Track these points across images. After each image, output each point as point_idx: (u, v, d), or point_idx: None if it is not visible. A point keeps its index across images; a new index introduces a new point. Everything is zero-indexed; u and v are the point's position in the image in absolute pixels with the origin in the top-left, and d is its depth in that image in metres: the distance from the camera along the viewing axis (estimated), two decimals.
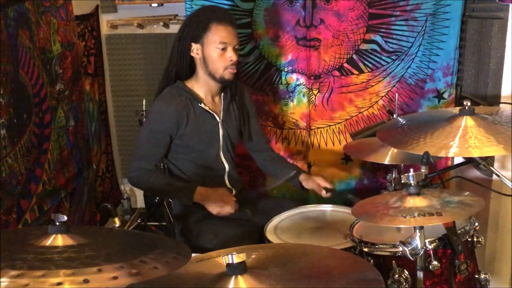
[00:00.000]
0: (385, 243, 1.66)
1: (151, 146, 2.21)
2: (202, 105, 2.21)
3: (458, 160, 2.41)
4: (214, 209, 2.12)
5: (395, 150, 1.97)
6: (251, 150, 2.51)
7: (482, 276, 1.65)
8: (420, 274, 1.49)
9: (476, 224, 1.68)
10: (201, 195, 2.15)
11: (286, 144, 2.88)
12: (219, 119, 2.26)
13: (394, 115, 2.27)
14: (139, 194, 3.51)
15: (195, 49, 2.18)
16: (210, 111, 2.23)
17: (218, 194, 2.17)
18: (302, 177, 2.34)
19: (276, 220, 2.13)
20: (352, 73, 2.75)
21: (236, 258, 1.17)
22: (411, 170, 1.44)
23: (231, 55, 2.14)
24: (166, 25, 3.31)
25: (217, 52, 2.14)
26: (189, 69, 2.24)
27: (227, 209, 2.12)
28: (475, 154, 1.46)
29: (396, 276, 1.56)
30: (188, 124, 2.18)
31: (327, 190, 2.27)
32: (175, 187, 2.23)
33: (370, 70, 2.74)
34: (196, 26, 2.15)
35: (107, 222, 3.12)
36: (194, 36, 2.16)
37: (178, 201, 2.32)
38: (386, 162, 2.00)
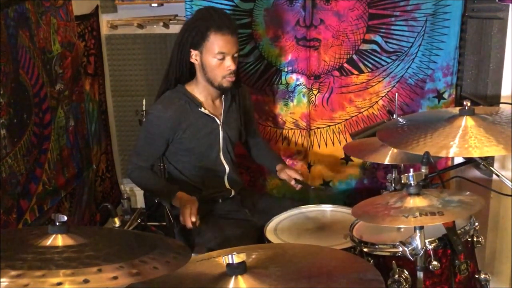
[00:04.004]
0: (385, 243, 1.66)
1: (148, 145, 2.23)
2: (202, 109, 2.21)
3: (458, 160, 2.41)
4: (181, 218, 2.06)
5: (395, 150, 1.97)
6: (246, 145, 2.54)
7: (482, 276, 1.65)
8: (420, 274, 1.49)
9: (476, 224, 1.68)
10: (179, 200, 2.13)
11: (286, 144, 2.88)
12: (220, 121, 2.26)
13: (394, 115, 2.27)
14: (139, 194, 3.50)
15: (194, 55, 2.17)
16: (210, 115, 2.23)
17: (185, 207, 2.05)
18: (278, 167, 2.40)
19: (276, 220, 2.13)
20: (352, 73, 2.75)
21: (236, 258, 1.17)
22: (411, 170, 1.44)
23: (229, 64, 2.13)
24: (166, 25, 3.31)
25: (215, 61, 2.12)
26: (189, 73, 2.23)
27: (186, 223, 2.03)
28: (475, 154, 1.46)
29: (396, 276, 1.56)
30: (187, 129, 2.18)
31: (297, 182, 2.30)
32: (159, 188, 2.25)
33: (370, 70, 2.74)
34: (195, 34, 2.13)
35: (107, 222, 3.11)
36: (193, 43, 2.14)
37: (161, 201, 2.33)
38: (386, 162, 2.00)
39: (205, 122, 2.23)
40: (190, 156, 2.25)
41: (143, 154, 2.25)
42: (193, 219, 2.01)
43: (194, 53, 2.16)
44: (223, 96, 2.29)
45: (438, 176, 1.62)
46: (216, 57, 2.12)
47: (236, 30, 2.17)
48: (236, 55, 2.16)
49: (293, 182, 2.32)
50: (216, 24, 2.11)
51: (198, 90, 2.23)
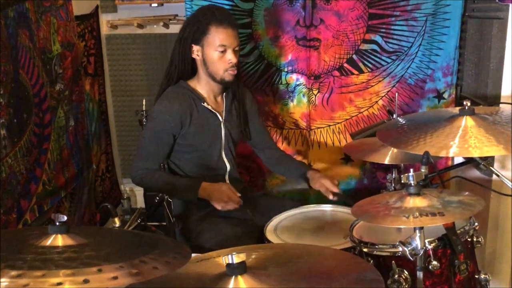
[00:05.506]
0: (385, 243, 1.66)
1: (155, 145, 2.20)
2: (205, 104, 2.21)
3: (458, 160, 2.41)
4: (218, 204, 2.12)
5: (395, 150, 1.97)
6: (256, 148, 2.52)
7: (482, 276, 1.65)
8: (420, 274, 1.49)
9: (476, 224, 1.68)
10: (205, 191, 2.14)
11: (286, 144, 2.88)
12: (222, 118, 2.26)
13: (394, 115, 2.27)
14: (139, 194, 3.51)
15: (196, 51, 2.18)
16: (213, 111, 2.23)
17: (222, 190, 2.14)
18: (309, 175, 2.32)
19: (276, 220, 2.13)
20: (352, 73, 2.75)
21: (236, 258, 1.17)
22: (411, 170, 1.44)
23: (230, 57, 2.14)
24: (166, 25, 3.31)
25: (216, 54, 2.14)
26: (191, 70, 2.24)
27: (231, 205, 2.11)
28: (475, 154, 1.46)
29: (396, 276, 1.56)
30: (192, 123, 2.18)
31: (334, 194, 2.23)
32: (179, 184, 2.21)
33: (370, 70, 2.74)
34: (196, 28, 2.15)
35: (107, 222, 3.12)
36: (194, 38, 2.16)
37: (183, 198, 2.31)
38: (386, 162, 2.00)
39: (208, 118, 2.23)
40: (192, 153, 2.25)
41: (151, 156, 2.20)
42: (238, 199, 2.12)
43: (195, 48, 2.17)
44: (224, 93, 2.29)
45: (438, 176, 1.62)
46: (218, 50, 2.13)
47: (236, 25, 2.20)
48: (237, 49, 2.18)
49: (331, 197, 2.22)
50: (216, 18, 2.13)
51: (200, 86, 2.24)
